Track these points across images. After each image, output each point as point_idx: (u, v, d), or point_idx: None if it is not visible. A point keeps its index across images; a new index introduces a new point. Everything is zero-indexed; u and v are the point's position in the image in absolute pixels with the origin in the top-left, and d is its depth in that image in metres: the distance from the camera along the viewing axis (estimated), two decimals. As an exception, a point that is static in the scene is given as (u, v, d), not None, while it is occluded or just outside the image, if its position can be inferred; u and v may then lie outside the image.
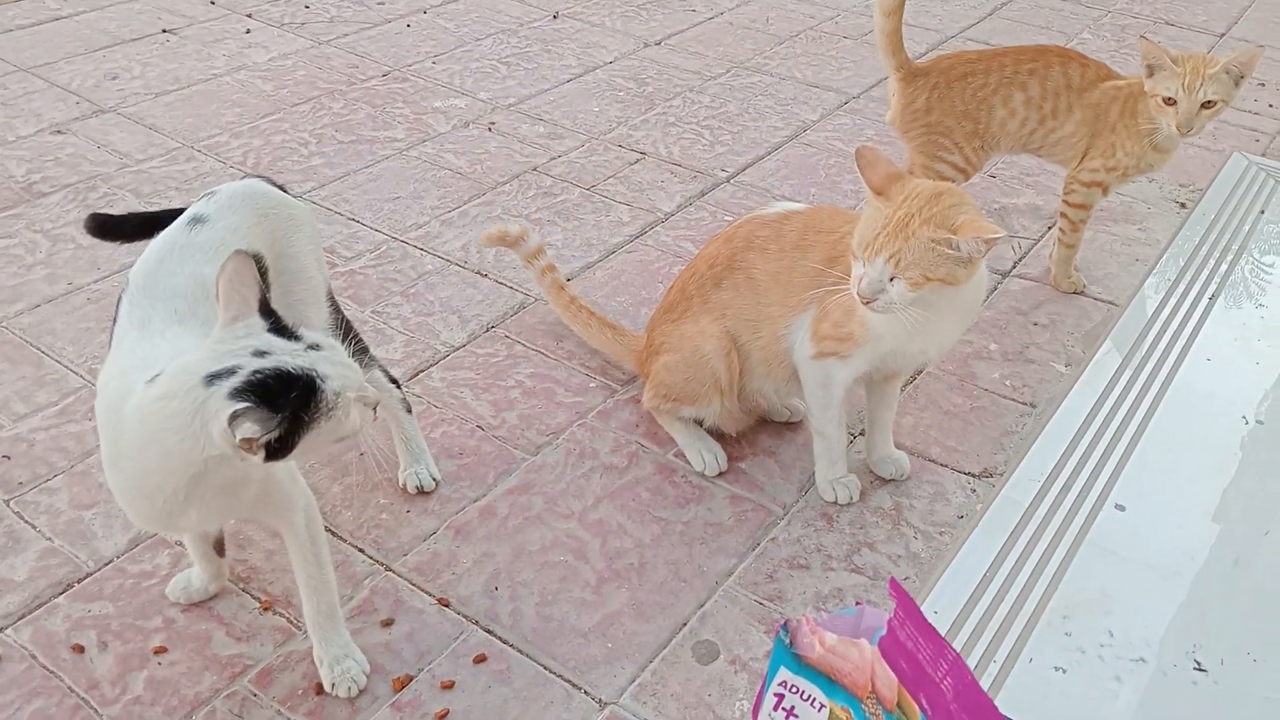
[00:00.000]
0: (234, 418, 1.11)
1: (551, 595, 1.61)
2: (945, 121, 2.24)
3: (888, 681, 0.85)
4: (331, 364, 1.20)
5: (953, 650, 0.79)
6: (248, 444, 1.12)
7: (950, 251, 1.43)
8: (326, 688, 1.44)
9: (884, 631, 0.87)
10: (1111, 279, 2.40)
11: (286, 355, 1.18)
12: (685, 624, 1.57)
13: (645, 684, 1.48)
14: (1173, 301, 2.18)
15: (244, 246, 1.45)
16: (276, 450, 1.15)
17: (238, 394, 1.13)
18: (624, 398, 2.00)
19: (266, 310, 1.22)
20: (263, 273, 1.47)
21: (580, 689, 1.47)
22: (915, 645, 0.81)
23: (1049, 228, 2.58)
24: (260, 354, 1.17)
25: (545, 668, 1.50)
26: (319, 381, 1.17)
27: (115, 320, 1.36)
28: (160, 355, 1.23)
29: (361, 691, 1.44)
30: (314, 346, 1.21)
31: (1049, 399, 2.01)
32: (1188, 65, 2.03)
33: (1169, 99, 2.04)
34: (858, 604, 0.95)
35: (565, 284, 2.10)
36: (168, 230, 1.45)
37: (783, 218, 1.76)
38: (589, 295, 2.28)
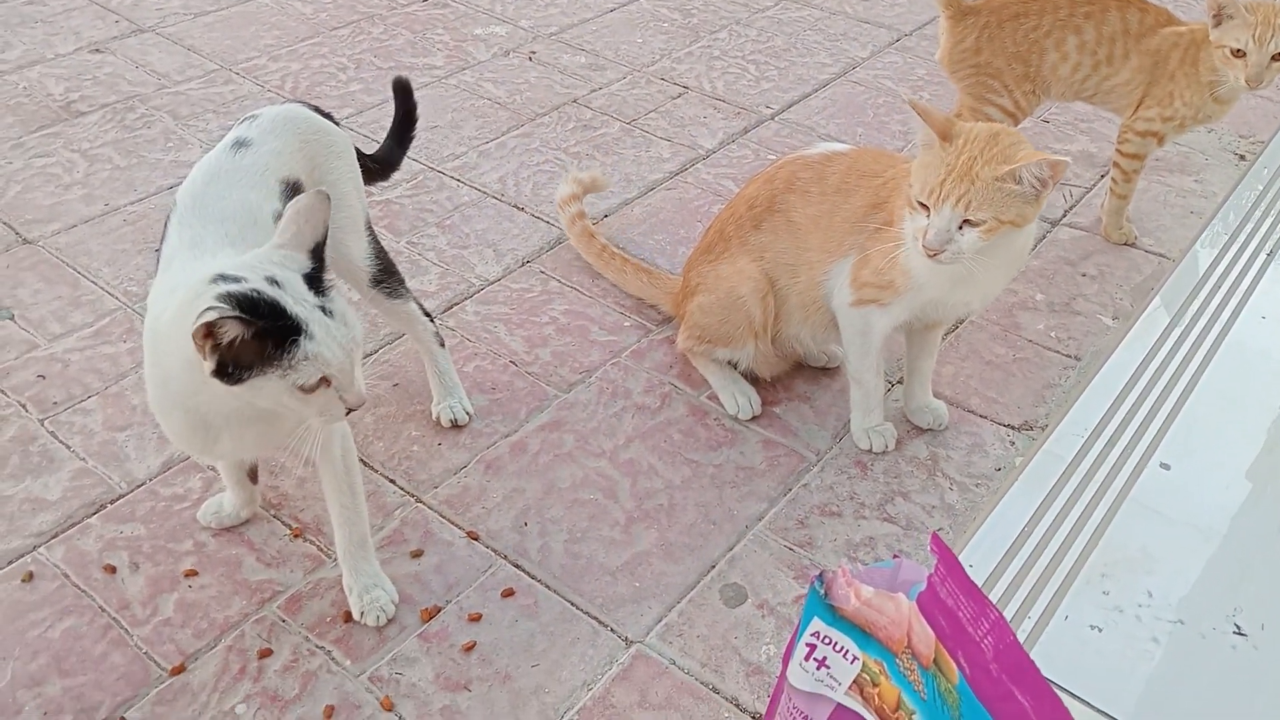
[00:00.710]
0: (206, 310, 1.10)
1: (580, 533, 1.60)
2: (995, 62, 2.17)
3: (925, 638, 0.83)
4: (327, 332, 1.16)
5: (995, 609, 0.76)
6: (201, 333, 1.10)
7: (1016, 187, 1.39)
8: (355, 616, 1.44)
9: (922, 586, 0.85)
10: (1164, 231, 2.33)
11: (292, 297, 1.15)
12: (714, 566, 1.56)
13: (672, 624, 1.47)
14: (1228, 257, 2.12)
15: (286, 171, 1.44)
16: (225, 368, 1.13)
17: (225, 297, 1.12)
18: (658, 338, 1.97)
19: (317, 254, 1.20)
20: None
21: (607, 626, 1.47)
22: (956, 603, 0.79)
23: (1101, 176, 2.50)
24: (272, 282, 1.15)
25: (572, 604, 1.49)
26: (302, 335, 1.14)
27: (164, 240, 1.35)
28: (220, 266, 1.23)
29: (390, 621, 1.44)
30: (325, 310, 1.18)
31: (1095, 352, 1.96)
32: (1259, 14, 1.93)
33: (1238, 50, 1.96)
34: (895, 557, 0.92)
35: (595, 232, 2.08)
36: (211, 153, 1.44)
37: (826, 159, 1.71)
38: (626, 232, 2.25)
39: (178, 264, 1.29)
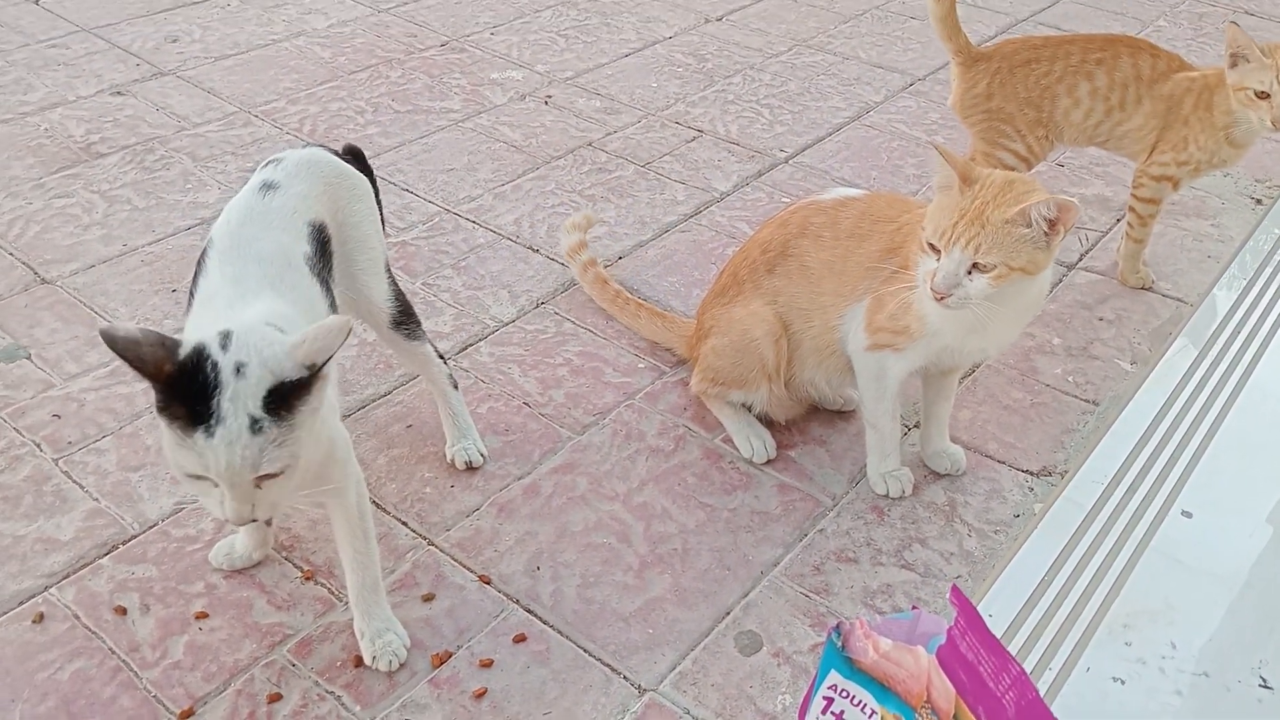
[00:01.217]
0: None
1: (593, 577, 1.58)
2: (1007, 108, 2.17)
3: (944, 692, 0.81)
4: (227, 443, 1.10)
5: (1017, 664, 0.75)
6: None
7: (1026, 231, 1.38)
8: (367, 660, 1.43)
9: (942, 639, 0.83)
10: (1181, 275, 2.31)
11: (233, 393, 1.11)
12: (728, 613, 1.54)
13: (686, 672, 1.45)
14: (1247, 301, 2.11)
15: (312, 215, 1.46)
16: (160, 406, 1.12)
17: (188, 347, 1.13)
18: (672, 380, 1.97)
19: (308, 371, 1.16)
20: (326, 242, 1.47)
21: (620, 674, 1.45)
22: (977, 657, 0.78)
23: (1117, 220, 2.50)
24: (237, 369, 1.12)
25: (585, 650, 1.47)
26: (202, 427, 1.10)
27: (200, 276, 1.36)
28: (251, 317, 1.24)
29: (401, 666, 1.43)
30: (254, 426, 1.11)
31: (1113, 397, 1.94)
32: (1278, 56, 1.94)
33: (1262, 93, 1.95)
34: (913, 608, 0.91)
35: (608, 277, 2.08)
36: (241, 195, 1.45)
37: (839, 204, 1.71)
38: (640, 274, 2.25)
39: (221, 300, 1.30)
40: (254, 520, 1.16)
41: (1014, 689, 0.74)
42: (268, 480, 1.13)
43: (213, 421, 1.09)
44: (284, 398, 1.11)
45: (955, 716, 0.80)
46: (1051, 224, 1.39)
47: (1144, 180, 2.17)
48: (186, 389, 1.10)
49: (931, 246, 1.46)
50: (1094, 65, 2.12)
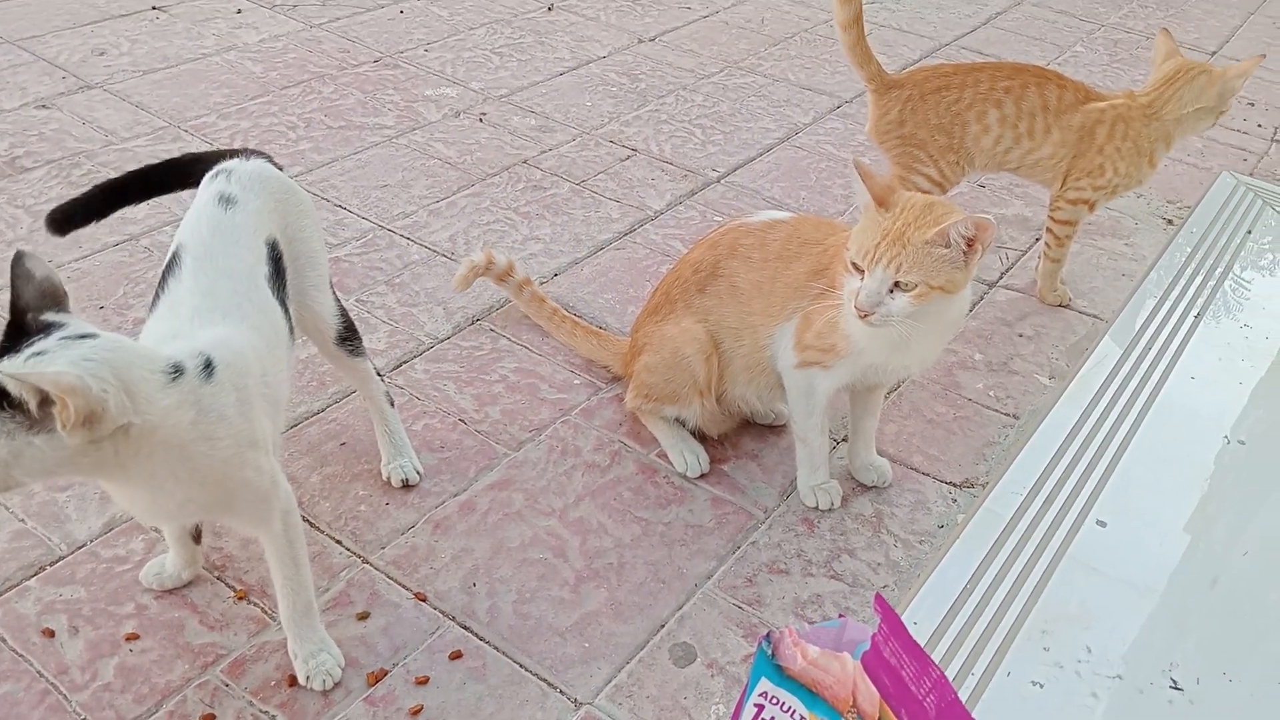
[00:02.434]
0: None
1: (530, 593, 1.59)
2: (919, 134, 2.23)
3: (869, 696, 0.85)
4: None
5: (937, 669, 0.78)
6: None
7: (945, 251, 1.43)
8: (301, 681, 1.42)
9: (867, 645, 0.87)
10: (1097, 293, 2.40)
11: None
12: (663, 626, 1.56)
13: (621, 685, 1.47)
14: (1159, 318, 2.20)
15: (267, 232, 1.47)
16: None
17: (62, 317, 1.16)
18: (608, 396, 1.99)
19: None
20: (279, 259, 1.47)
21: (556, 688, 1.46)
22: (899, 662, 0.81)
23: (1036, 239, 2.58)
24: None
25: (521, 665, 1.49)
26: None
27: (172, 278, 1.36)
28: (214, 335, 1.26)
29: (336, 685, 1.43)
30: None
31: (1032, 411, 2.01)
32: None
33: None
34: (840, 616, 0.94)
35: (544, 297, 2.10)
36: (205, 203, 1.44)
37: (767, 226, 1.75)
38: (576, 291, 2.27)
39: (186, 309, 1.31)
40: None
41: (934, 692, 0.78)
42: None
43: None
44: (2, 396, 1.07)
45: (880, 719, 0.84)
46: (970, 243, 1.44)
47: (1061, 204, 2.25)
48: (11, 334, 1.12)
49: (855, 266, 1.50)
50: (1002, 93, 2.19)
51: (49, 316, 1.13)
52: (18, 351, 1.10)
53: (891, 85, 2.25)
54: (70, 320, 1.15)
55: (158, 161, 1.66)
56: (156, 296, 1.37)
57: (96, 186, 1.60)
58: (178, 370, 1.19)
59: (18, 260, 1.14)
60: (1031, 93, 2.18)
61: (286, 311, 1.47)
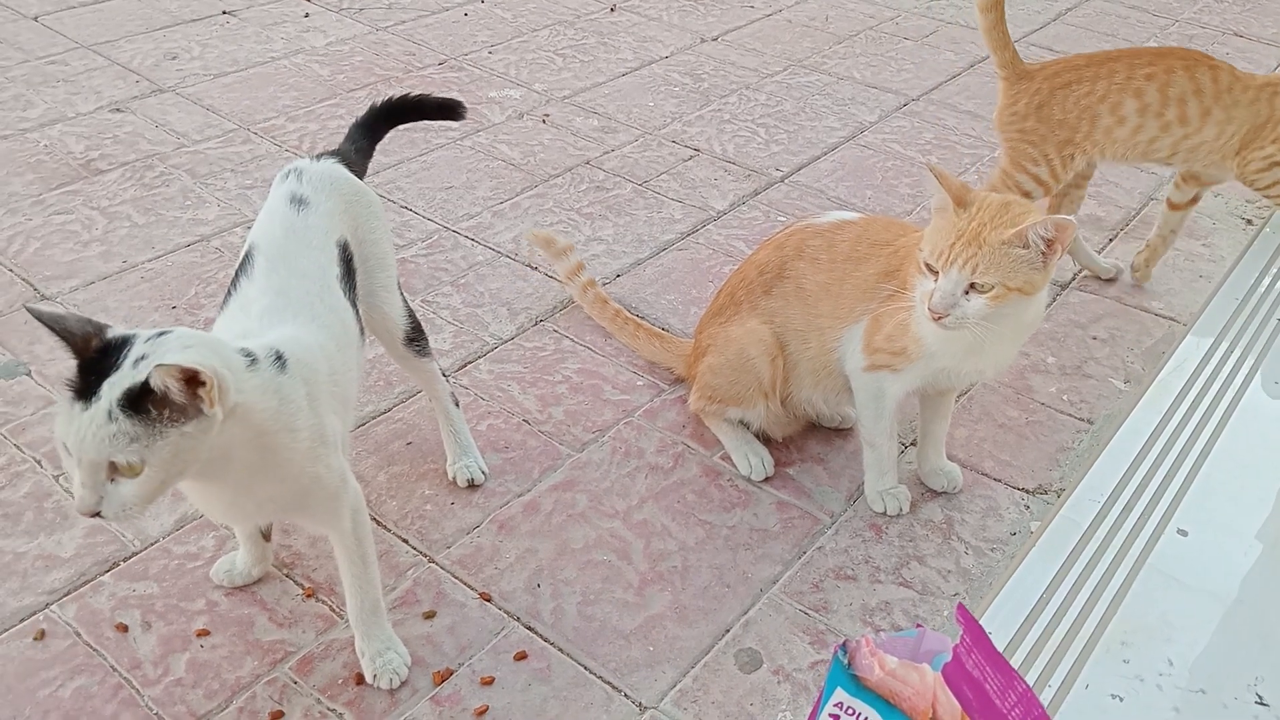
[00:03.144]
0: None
1: (594, 595, 1.59)
2: (1040, 129, 2.16)
3: (950, 709, 0.82)
4: (76, 415, 1.09)
5: (1023, 682, 0.76)
6: None
7: (1023, 251, 1.40)
8: (368, 679, 1.43)
9: (946, 656, 0.85)
10: (1174, 295, 2.34)
11: (114, 379, 1.10)
12: (728, 630, 1.55)
13: (686, 690, 1.46)
14: (1239, 321, 2.13)
15: (338, 233, 1.48)
16: None
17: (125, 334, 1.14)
18: (671, 397, 1.98)
19: (145, 389, 1.11)
20: (349, 261, 1.48)
21: (620, 691, 1.45)
22: (982, 674, 0.79)
23: (1110, 239, 2.52)
24: (136, 361, 1.11)
25: (586, 668, 1.48)
26: (71, 398, 1.09)
27: (244, 276, 1.38)
28: (285, 334, 1.27)
29: (403, 684, 1.43)
30: (111, 415, 1.08)
31: (1107, 416, 1.96)
32: None
33: None
34: (918, 626, 0.92)
35: (608, 298, 2.10)
36: (275, 205, 1.46)
37: (835, 227, 1.73)
38: (638, 292, 2.27)
39: (258, 308, 1.32)
40: (98, 514, 1.12)
41: (1020, 706, 0.75)
42: (121, 476, 1.11)
43: (91, 399, 1.08)
44: (143, 400, 1.08)
45: (961, 733, 0.81)
46: (1049, 244, 1.40)
47: (1256, 176, 2.14)
48: (95, 366, 1.10)
49: (929, 267, 1.47)
50: (1143, 81, 2.08)
51: (112, 334, 1.13)
52: (118, 367, 1.10)
53: (1023, 76, 2.18)
54: (132, 330, 1.15)
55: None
56: (228, 295, 1.39)
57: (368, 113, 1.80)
58: (253, 359, 1.21)
59: (39, 317, 1.11)
60: (1179, 77, 2.09)
61: (356, 312, 1.48)
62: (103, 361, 1.10)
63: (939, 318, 1.45)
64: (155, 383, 1.07)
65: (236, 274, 1.40)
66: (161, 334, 1.14)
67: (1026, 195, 2.19)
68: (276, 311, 1.33)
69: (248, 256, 1.40)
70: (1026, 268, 1.42)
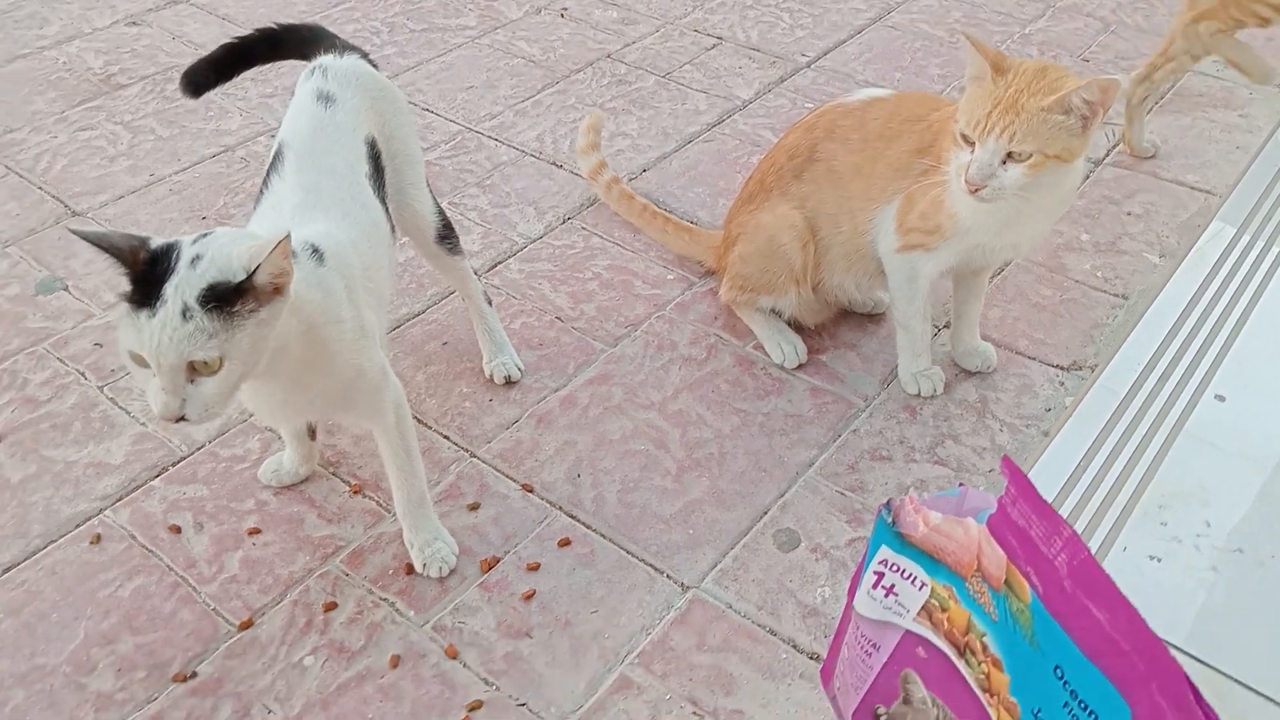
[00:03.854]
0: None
1: (633, 483, 1.61)
2: None
3: (995, 560, 0.83)
4: (162, 325, 1.09)
5: (1068, 527, 0.77)
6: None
7: (1062, 118, 1.37)
8: (418, 569, 1.47)
9: (991, 510, 0.85)
10: (1209, 167, 2.29)
11: (178, 280, 1.10)
12: (766, 512, 1.57)
13: (727, 569, 1.49)
14: (1276, 191, 2.09)
15: (366, 130, 1.47)
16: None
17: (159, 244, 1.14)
18: (701, 290, 1.98)
19: (238, 290, 1.12)
20: (378, 158, 1.48)
21: (663, 573, 1.48)
22: (1028, 522, 0.80)
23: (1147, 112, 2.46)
24: (193, 260, 1.11)
25: (628, 552, 1.51)
26: (146, 307, 1.09)
27: (275, 175, 1.38)
28: (317, 229, 1.27)
29: (451, 572, 1.47)
30: (185, 314, 1.09)
31: (1142, 290, 1.94)
32: None
33: None
34: (960, 486, 0.93)
35: (634, 194, 2.08)
36: (304, 101, 1.45)
37: (866, 105, 1.69)
38: (665, 186, 2.25)
39: (289, 205, 1.32)
40: (183, 419, 1.14)
41: (1065, 550, 0.76)
42: (200, 376, 1.13)
43: (157, 304, 1.09)
44: (222, 296, 1.10)
45: (1006, 582, 0.82)
46: (1090, 107, 1.37)
47: None
48: (149, 274, 1.10)
49: (964, 138, 1.45)
50: None
51: (156, 244, 1.13)
52: (174, 270, 1.10)
53: None
54: (172, 239, 1.16)
55: (281, 26, 1.65)
56: (260, 195, 1.39)
57: (223, 45, 1.62)
58: (292, 253, 1.21)
59: (83, 237, 1.12)
60: None
61: (386, 210, 1.48)
62: (154, 270, 1.10)
63: (976, 189, 1.43)
64: (261, 277, 1.10)
65: (268, 172, 1.40)
66: (204, 235, 1.14)
67: (1265, 23, 2.08)
68: (308, 209, 1.33)
69: (278, 155, 1.40)
70: (1065, 134, 1.39)
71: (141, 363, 1.12)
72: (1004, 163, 1.41)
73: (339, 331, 1.25)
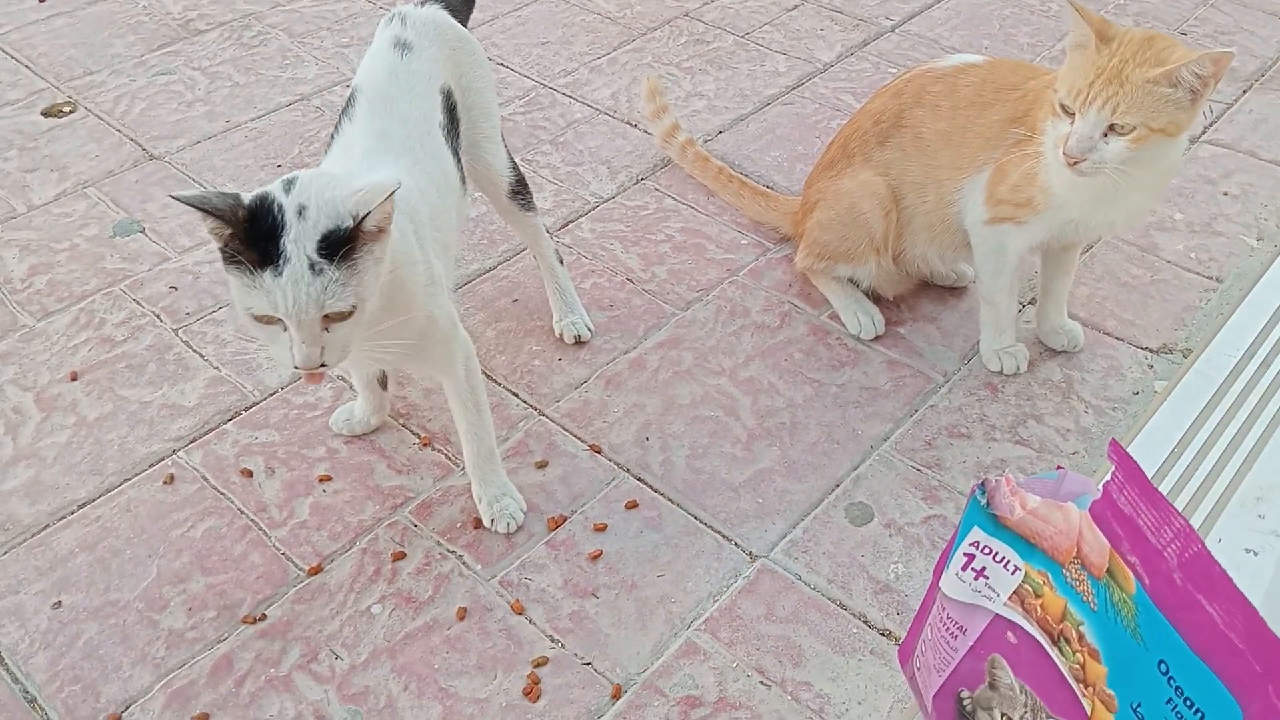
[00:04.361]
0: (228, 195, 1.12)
1: (702, 449, 1.59)
2: None
3: (1097, 547, 0.80)
4: (294, 282, 1.09)
5: (1180, 518, 0.73)
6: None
7: (1169, 91, 1.31)
8: (485, 523, 1.46)
9: (1093, 496, 0.82)
10: (1313, 149, 2.19)
11: (296, 234, 1.10)
12: (838, 485, 1.54)
13: (797, 540, 1.46)
14: (1387, 174, 1.99)
15: (441, 80, 1.46)
16: (226, 255, 1.12)
17: (250, 198, 1.12)
18: (776, 256, 1.94)
19: (349, 234, 1.12)
20: (453, 109, 1.46)
21: (731, 540, 1.46)
22: (1135, 510, 0.76)
23: (1244, 91, 2.37)
24: (299, 210, 1.10)
25: (696, 518, 1.49)
26: (270, 268, 1.09)
27: (346, 120, 1.37)
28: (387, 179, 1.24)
29: (518, 528, 1.46)
30: (314, 267, 1.09)
31: (1238, 274, 1.87)
32: None
33: None
34: (1059, 469, 0.89)
35: (709, 156, 2.04)
36: (379, 49, 1.43)
37: (958, 72, 1.63)
38: (741, 149, 2.20)
39: (359, 149, 1.31)
40: (322, 366, 1.14)
41: (1177, 541, 0.73)
42: (334, 323, 1.13)
43: (280, 261, 1.08)
44: (340, 242, 1.09)
45: (1109, 571, 0.79)
46: (1201, 80, 1.31)
47: None
48: (255, 232, 1.09)
49: (1064, 109, 1.39)
50: None
51: (247, 199, 1.11)
52: (285, 225, 1.09)
53: None
54: (260, 190, 1.14)
55: None
56: (332, 138, 1.39)
57: None
58: None
59: (184, 201, 1.10)
60: None
61: (459, 160, 1.46)
62: (257, 226, 1.09)
63: (1075, 162, 1.37)
64: (369, 223, 1.10)
65: (341, 116, 1.39)
66: (290, 181, 1.13)
67: None
68: (377, 154, 1.32)
69: (351, 99, 1.39)
70: (1172, 108, 1.33)
71: (269, 321, 1.12)
72: (1105, 135, 1.36)
73: (412, 273, 1.25)
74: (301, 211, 1.09)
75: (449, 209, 1.41)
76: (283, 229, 1.08)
